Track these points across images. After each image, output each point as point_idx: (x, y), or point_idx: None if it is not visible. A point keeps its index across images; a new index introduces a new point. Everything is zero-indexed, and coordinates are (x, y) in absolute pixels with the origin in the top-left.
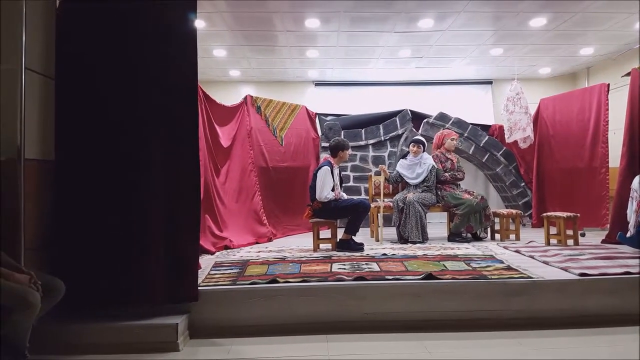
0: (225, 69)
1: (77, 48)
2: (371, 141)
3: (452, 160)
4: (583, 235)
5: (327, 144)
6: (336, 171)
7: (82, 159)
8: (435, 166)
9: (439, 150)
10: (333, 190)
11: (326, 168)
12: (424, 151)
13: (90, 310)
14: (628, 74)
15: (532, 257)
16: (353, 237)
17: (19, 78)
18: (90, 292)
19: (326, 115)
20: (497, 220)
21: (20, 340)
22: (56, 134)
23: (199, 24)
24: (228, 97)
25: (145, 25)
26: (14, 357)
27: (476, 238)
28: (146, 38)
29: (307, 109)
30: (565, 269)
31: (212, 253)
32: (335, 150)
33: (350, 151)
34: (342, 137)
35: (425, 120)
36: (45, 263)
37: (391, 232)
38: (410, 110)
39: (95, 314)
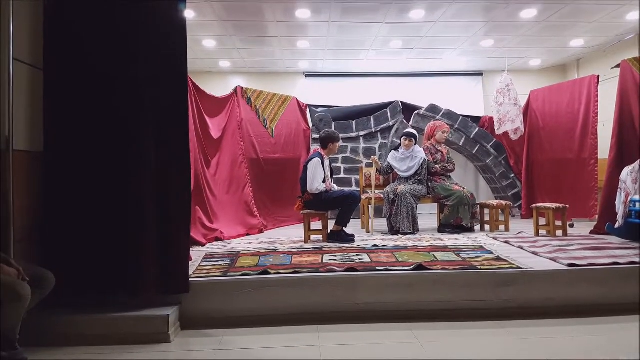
0: (215, 59)
1: (66, 38)
2: (362, 133)
3: (442, 152)
4: (572, 226)
5: (317, 136)
6: (327, 162)
7: (71, 150)
8: (426, 159)
9: (429, 141)
10: (324, 181)
11: (317, 160)
12: (415, 144)
13: (80, 300)
14: (618, 66)
15: (521, 247)
16: (344, 228)
17: (6, 69)
18: (80, 282)
19: (317, 106)
20: (486, 211)
21: (11, 332)
22: (45, 125)
23: (189, 14)
24: (218, 88)
25: (134, 15)
26: (4, 348)
27: (463, 229)
28: (136, 28)
29: (297, 100)
30: (554, 260)
31: (203, 244)
32: (325, 142)
33: (340, 143)
34: (333, 128)
35: (416, 111)
36: (36, 254)
37: (382, 223)
38: (401, 102)
39: (86, 305)
